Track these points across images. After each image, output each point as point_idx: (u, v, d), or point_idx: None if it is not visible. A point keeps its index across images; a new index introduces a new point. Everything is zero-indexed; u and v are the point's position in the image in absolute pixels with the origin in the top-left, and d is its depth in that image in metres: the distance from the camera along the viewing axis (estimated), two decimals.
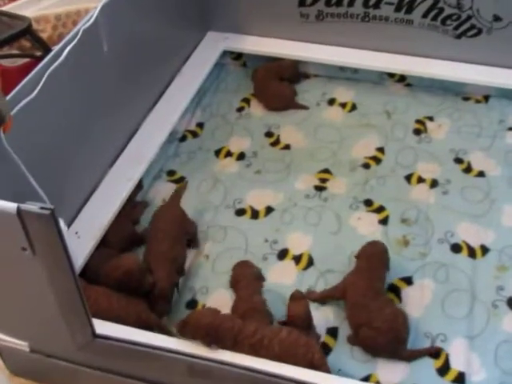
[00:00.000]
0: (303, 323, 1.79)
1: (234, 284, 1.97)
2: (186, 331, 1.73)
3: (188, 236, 2.13)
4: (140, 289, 1.90)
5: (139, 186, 2.29)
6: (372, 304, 1.85)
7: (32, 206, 1.30)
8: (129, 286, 1.88)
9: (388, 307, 1.86)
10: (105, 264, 1.94)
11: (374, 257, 1.97)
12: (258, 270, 2.00)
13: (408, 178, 2.37)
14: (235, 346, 1.71)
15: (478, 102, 2.67)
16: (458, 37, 2.61)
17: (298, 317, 1.79)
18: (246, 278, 1.94)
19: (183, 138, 2.59)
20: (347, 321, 1.89)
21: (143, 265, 1.94)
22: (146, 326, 1.81)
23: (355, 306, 1.87)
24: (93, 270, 1.97)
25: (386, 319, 1.82)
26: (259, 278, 1.98)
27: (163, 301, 1.92)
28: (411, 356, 1.83)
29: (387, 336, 1.80)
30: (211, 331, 1.71)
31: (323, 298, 1.97)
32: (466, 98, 2.69)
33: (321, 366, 1.68)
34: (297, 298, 1.86)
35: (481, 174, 2.38)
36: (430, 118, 2.61)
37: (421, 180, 2.36)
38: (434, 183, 2.34)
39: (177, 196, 2.20)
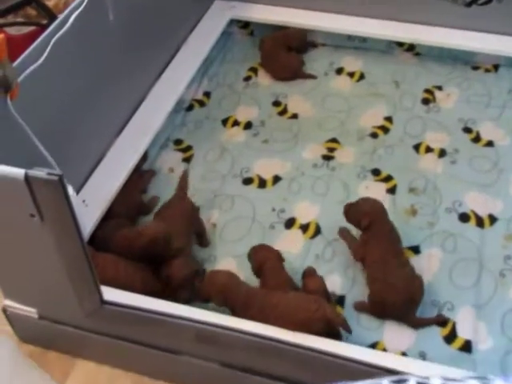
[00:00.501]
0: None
1: (259, 267, 1.92)
2: (201, 288, 1.80)
3: (195, 232, 2.09)
4: (166, 255, 1.90)
5: (145, 156, 2.28)
6: (391, 261, 1.86)
7: (40, 172, 1.31)
8: (154, 253, 1.89)
9: (407, 267, 1.87)
10: (125, 233, 1.95)
11: (385, 216, 1.97)
12: (277, 251, 1.97)
13: (416, 147, 2.36)
14: (247, 308, 1.73)
15: (487, 71, 2.65)
16: (468, 5, 2.58)
17: (316, 292, 1.79)
18: (271, 260, 1.93)
19: (190, 108, 2.58)
20: (366, 280, 1.91)
21: (167, 232, 1.93)
22: (153, 294, 1.81)
23: (375, 263, 1.88)
24: (103, 238, 1.98)
25: (402, 277, 1.83)
26: (281, 258, 1.96)
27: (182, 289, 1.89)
28: (418, 323, 1.83)
29: (400, 294, 1.81)
30: (225, 290, 1.76)
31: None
32: (476, 68, 2.66)
33: (335, 319, 1.70)
34: (311, 274, 1.87)
35: (489, 143, 2.36)
36: (439, 88, 2.59)
37: (429, 149, 2.35)
38: (442, 153, 2.33)
39: (182, 188, 2.14)
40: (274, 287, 1.83)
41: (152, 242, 1.88)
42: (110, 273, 1.82)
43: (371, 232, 1.92)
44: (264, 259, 1.91)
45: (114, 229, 1.99)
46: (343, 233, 2.03)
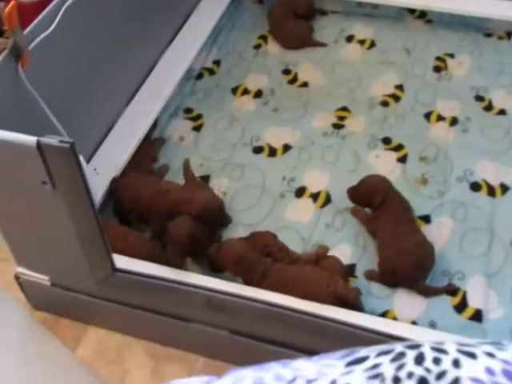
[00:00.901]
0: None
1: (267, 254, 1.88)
2: (218, 257, 1.80)
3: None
4: (220, 222, 1.94)
5: (155, 125, 2.28)
6: (402, 229, 1.87)
7: (52, 140, 1.31)
8: (208, 221, 1.90)
9: (417, 234, 1.88)
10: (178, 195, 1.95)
11: (394, 189, 1.97)
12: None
13: (427, 115, 2.34)
14: (262, 280, 1.74)
15: (500, 38, 2.62)
16: None
17: (333, 271, 1.79)
18: (276, 245, 1.91)
19: (200, 76, 2.57)
20: (377, 251, 1.91)
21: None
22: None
23: (386, 233, 1.89)
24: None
25: (413, 243, 1.84)
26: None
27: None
28: (429, 291, 1.84)
29: (410, 259, 1.81)
30: (242, 261, 1.76)
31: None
32: (488, 35, 2.63)
33: (347, 293, 1.71)
34: (325, 254, 1.88)
35: (502, 111, 2.34)
36: (451, 55, 2.57)
37: (440, 118, 2.33)
38: (453, 121, 2.32)
39: (190, 179, 2.09)
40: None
41: (205, 209, 1.89)
42: (119, 244, 1.82)
43: (383, 207, 1.92)
44: (270, 247, 1.88)
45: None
46: (356, 211, 2.03)
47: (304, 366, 0.58)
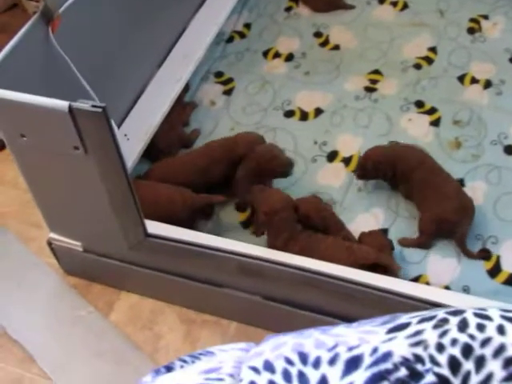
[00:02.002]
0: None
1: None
2: (256, 198, 1.86)
3: None
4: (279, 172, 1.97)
5: (186, 88, 2.27)
6: (441, 177, 1.90)
7: (84, 105, 1.31)
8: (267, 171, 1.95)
9: (454, 181, 1.90)
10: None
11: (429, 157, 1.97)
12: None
13: (461, 78, 2.31)
14: (285, 244, 1.75)
15: None
16: None
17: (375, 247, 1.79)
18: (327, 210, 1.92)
19: (230, 39, 2.54)
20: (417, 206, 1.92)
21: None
22: (195, 212, 1.88)
23: (422, 181, 1.89)
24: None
25: (454, 186, 1.87)
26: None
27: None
28: (466, 249, 1.82)
29: (454, 202, 1.83)
30: (274, 215, 1.79)
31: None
32: None
33: (370, 260, 1.71)
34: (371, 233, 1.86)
35: None
36: (485, 17, 2.52)
37: (474, 80, 2.29)
38: (487, 84, 2.28)
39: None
40: None
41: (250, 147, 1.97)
42: (151, 197, 1.83)
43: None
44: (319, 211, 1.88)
45: None
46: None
47: (344, 333, 0.58)
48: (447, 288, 1.76)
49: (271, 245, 1.79)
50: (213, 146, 2.04)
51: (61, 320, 1.86)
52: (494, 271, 1.80)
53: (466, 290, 1.76)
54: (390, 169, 1.93)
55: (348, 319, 1.56)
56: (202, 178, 1.98)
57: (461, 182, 1.98)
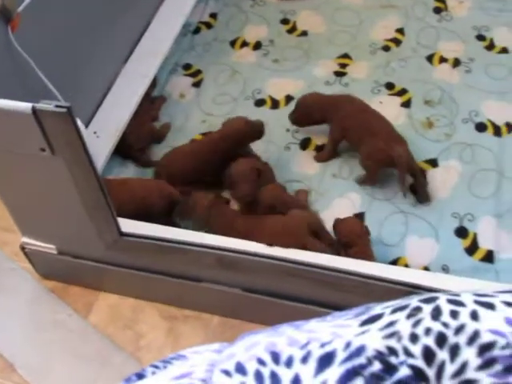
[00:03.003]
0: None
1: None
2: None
3: None
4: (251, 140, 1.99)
5: (154, 83, 2.24)
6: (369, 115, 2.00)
7: (47, 105, 1.28)
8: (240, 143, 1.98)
9: (384, 119, 1.98)
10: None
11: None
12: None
13: (430, 58, 2.30)
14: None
15: None
16: None
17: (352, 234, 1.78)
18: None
19: (197, 30, 2.52)
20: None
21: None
22: (172, 203, 1.87)
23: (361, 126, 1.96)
24: None
25: (383, 123, 1.97)
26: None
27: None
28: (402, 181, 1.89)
29: (383, 133, 1.92)
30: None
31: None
32: None
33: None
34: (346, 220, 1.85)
35: (504, 50, 2.31)
36: None
37: (443, 60, 2.29)
38: (456, 62, 2.28)
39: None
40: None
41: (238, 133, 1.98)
42: (126, 193, 1.82)
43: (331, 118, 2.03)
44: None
45: None
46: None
47: (317, 328, 0.57)
48: (426, 268, 1.77)
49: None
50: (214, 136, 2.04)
51: (40, 325, 1.84)
52: (472, 249, 1.80)
53: (445, 269, 1.76)
54: (320, 114, 2.02)
55: (329, 306, 1.58)
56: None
57: (434, 162, 1.99)
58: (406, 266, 1.77)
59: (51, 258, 1.81)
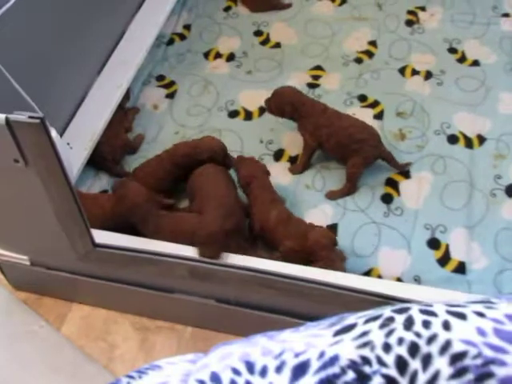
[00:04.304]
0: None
1: (245, 185, 1.91)
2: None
3: None
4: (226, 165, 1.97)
5: (127, 94, 2.24)
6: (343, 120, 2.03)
7: (21, 116, 1.27)
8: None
9: (358, 120, 2.03)
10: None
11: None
12: (264, 166, 1.97)
13: (402, 70, 2.33)
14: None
15: None
16: None
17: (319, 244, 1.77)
18: (258, 179, 1.91)
19: (171, 42, 2.53)
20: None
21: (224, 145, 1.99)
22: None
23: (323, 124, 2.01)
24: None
25: (359, 125, 2.01)
26: (267, 173, 1.95)
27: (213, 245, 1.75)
28: (396, 164, 1.98)
29: (371, 137, 1.97)
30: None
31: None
32: None
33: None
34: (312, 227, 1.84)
35: (475, 62, 2.34)
36: (422, 8, 2.56)
37: (415, 72, 2.32)
38: (428, 75, 2.31)
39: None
40: (263, 206, 1.84)
41: (212, 154, 1.94)
42: (94, 209, 1.81)
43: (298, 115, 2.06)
44: (250, 178, 1.89)
45: None
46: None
47: (291, 338, 0.57)
48: (399, 279, 1.78)
49: None
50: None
51: (12, 337, 1.82)
52: (444, 260, 1.82)
53: (417, 280, 1.78)
54: (290, 109, 2.03)
55: (302, 317, 1.58)
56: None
57: (407, 173, 2.01)
58: (379, 276, 1.78)
59: (24, 269, 1.80)
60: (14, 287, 1.91)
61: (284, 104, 2.03)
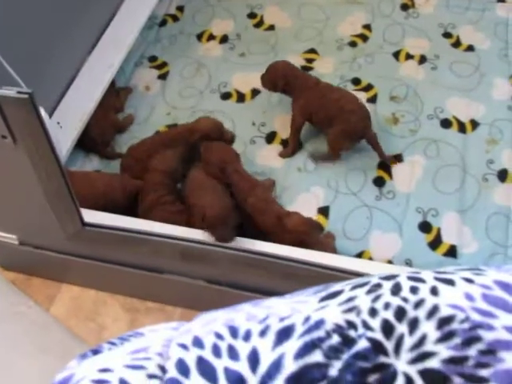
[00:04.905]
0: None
1: (221, 172, 1.87)
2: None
3: None
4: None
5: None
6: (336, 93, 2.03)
7: (9, 91, 1.26)
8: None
9: (350, 93, 2.04)
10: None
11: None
12: (233, 151, 1.94)
13: (396, 54, 2.32)
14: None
15: None
16: None
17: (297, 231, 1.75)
18: (231, 163, 1.89)
19: (163, 23, 2.50)
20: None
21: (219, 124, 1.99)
22: (136, 196, 1.85)
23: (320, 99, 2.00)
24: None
25: (351, 98, 2.00)
26: (239, 158, 1.93)
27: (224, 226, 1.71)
28: (381, 152, 1.95)
29: (356, 112, 1.95)
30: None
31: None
32: None
33: None
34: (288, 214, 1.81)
35: (470, 47, 2.32)
36: None
37: (409, 56, 2.31)
38: (422, 59, 2.29)
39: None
40: (242, 194, 1.81)
41: (206, 135, 1.93)
42: (84, 188, 1.79)
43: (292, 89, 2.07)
44: (223, 163, 1.86)
45: None
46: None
47: (276, 304, 0.56)
48: (390, 262, 1.77)
49: None
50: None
51: (0, 317, 1.81)
52: (435, 243, 1.82)
53: (408, 263, 1.77)
54: (283, 82, 2.04)
55: (286, 294, 1.57)
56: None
57: (399, 157, 2.00)
58: (370, 259, 1.78)
59: (13, 249, 1.79)
60: (3, 267, 1.90)
61: (277, 77, 2.03)
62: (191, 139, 1.94)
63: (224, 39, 2.42)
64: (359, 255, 1.79)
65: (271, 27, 2.45)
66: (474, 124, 2.08)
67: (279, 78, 2.03)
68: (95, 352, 0.60)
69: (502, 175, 1.95)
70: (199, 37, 2.44)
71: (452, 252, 1.79)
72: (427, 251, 1.80)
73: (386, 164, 1.98)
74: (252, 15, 2.50)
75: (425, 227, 1.85)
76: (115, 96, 2.16)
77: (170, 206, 1.79)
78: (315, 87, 2.01)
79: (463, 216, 1.86)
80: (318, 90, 2.01)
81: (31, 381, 1.69)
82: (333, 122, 1.95)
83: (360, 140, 1.97)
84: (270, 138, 2.09)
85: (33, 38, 1.85)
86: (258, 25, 2.47)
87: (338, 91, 2.02)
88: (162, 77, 2.30)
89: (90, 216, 1.63)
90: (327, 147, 1.99)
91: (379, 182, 1.94)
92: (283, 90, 2.05)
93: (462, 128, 2.07)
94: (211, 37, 2.43)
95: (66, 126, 1.93)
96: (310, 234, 1.73)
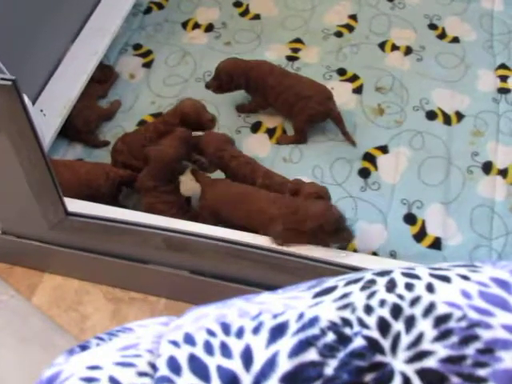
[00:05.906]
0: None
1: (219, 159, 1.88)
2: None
3: None
4: (200, 127, 1.95)
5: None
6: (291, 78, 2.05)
7: None
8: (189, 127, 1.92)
9: (304, 77, 2.07)
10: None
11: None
12: (225, 135, 1.96)
13: (382, 45, 2.31)
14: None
15: None
16: None
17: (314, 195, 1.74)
18: (228, 151, 1.88)
19: (148, 10, 2.48)
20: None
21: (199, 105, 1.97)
22: (119, 185, 1.85)
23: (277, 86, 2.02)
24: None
25: (307, 82, 2.03)
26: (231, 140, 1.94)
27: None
28: (345, 131, 1.98)
29: (315, 95, 1.97)
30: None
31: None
32: None
33: None
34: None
35: (455, 39, 2.32)
36: None
37: (395, 47, 2.30)
38: (408, 50, 2.29)
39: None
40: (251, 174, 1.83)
41: (186, 114, 1.92)
42: (67, 176, 1.78)
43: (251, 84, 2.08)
44: (220, 151, 1.87)
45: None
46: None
47: (269, 300, 0.55)
48: (375, 254, 1.77)
49: None
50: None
51: None
52: (420, 235, 1.82)
53: (393, 255, 1.77)
54: (243, 78, 2.03)
55: (277, 289, 1.56)
56: None
57: (384, 148, 2.00)
58: (355, 250, 1.77)
59: None
60: None
61: (235, 74, 2.03)
62: (175, 121, 1.92)
63: (209, 28, 2.40)
64: (344, 247, 1.78)
65: (257, 16, 2.44)
66: (459, 116, 2.08)
67: (237, 75, 2.04)
68: (83, 348, 0.59)
69: (487, 167, 1.95)
70: (184, 25, 2.42)
71: (437, 244, 1.80)
72: (412, 243, 1.80)
73: (383, 146, 2.00)
74: (238, 4, 2.48)
75: (410, 219, 1.85)
76: (98, 84, 2.13)
77: (163, 194, 1.79)
78: (270, 74, 2.02)
79: (448, 208, 1.86)
80: (274, 77, 2.01)
81: (12, 371, 1.68)
82: (293, 110, 1.98)
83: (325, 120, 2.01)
84: (256, 127, 2.08)
85: (16, 25, 1.83)
86: (244, 13, 2.45)
87: (294, 78, 2.05)
88: (147, 65, 2.28)
89: (74, 205, 1.62)
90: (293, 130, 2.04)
91: (364, 173, 1.94)
92: (240, 83, 2.06)
93: (447, 120, 2.07)
94: (196, 25, 2.41)
95: (49, 113, 1.91)
96: (324, 197, 1.72)
